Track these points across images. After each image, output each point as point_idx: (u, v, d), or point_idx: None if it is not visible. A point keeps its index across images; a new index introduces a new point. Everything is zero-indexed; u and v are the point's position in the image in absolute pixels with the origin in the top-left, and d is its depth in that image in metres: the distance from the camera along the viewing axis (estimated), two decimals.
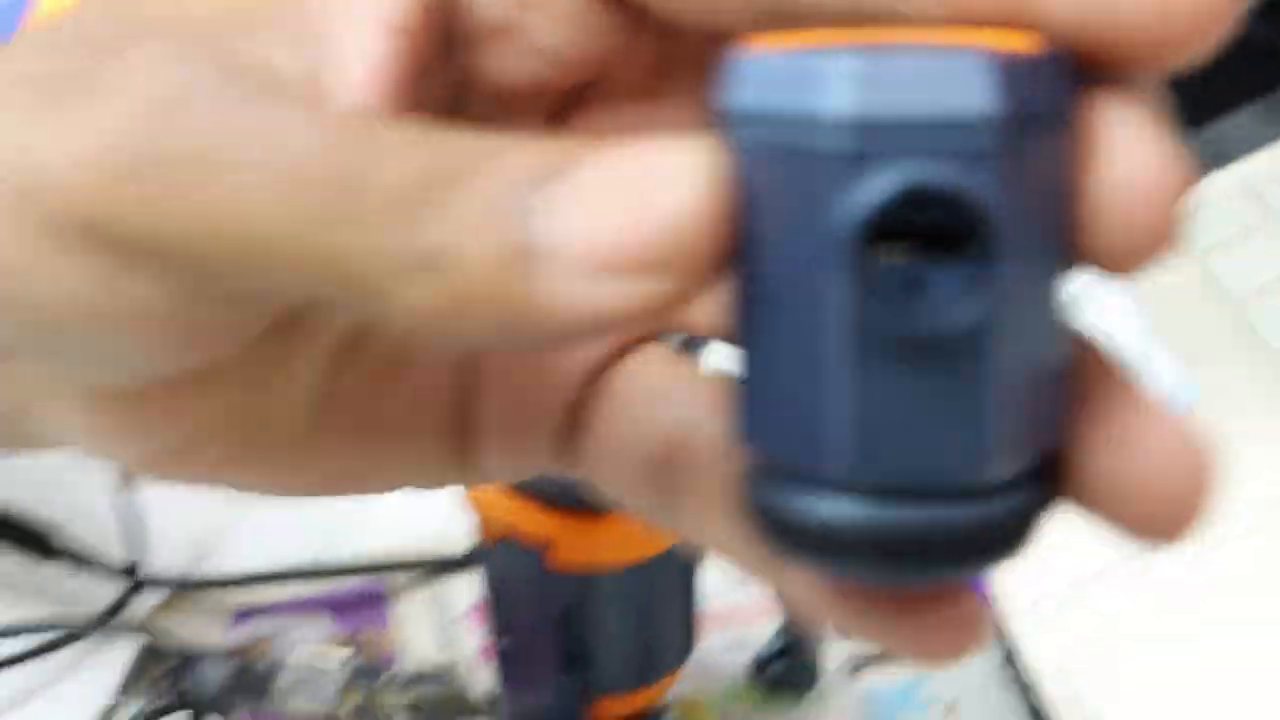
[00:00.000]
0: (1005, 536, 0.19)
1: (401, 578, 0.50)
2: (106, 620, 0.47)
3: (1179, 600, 0.46)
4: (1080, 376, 0.20)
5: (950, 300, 0.18)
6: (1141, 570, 0.47)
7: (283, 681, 0.46)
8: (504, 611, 0.41)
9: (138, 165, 0.21)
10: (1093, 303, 0.55)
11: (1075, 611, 0.46)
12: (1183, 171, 0.19)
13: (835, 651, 0.47)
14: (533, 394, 0.27)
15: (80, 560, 0.49)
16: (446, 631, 0.49)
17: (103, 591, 0.49)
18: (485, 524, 0.40)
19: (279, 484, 0.27)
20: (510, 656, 0.43)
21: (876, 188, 0.17)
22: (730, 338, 0.20)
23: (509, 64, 0.24)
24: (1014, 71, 0.17)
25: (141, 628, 0.45)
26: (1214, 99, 0.63)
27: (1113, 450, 0.20)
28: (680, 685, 0.46)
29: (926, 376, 0.18)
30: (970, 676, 0.47)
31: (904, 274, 0.18)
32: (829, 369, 0.18)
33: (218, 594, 0.50)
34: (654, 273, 0.19)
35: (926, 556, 0.19)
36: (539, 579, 0.39)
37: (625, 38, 0.24)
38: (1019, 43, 0.18)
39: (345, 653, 0.47)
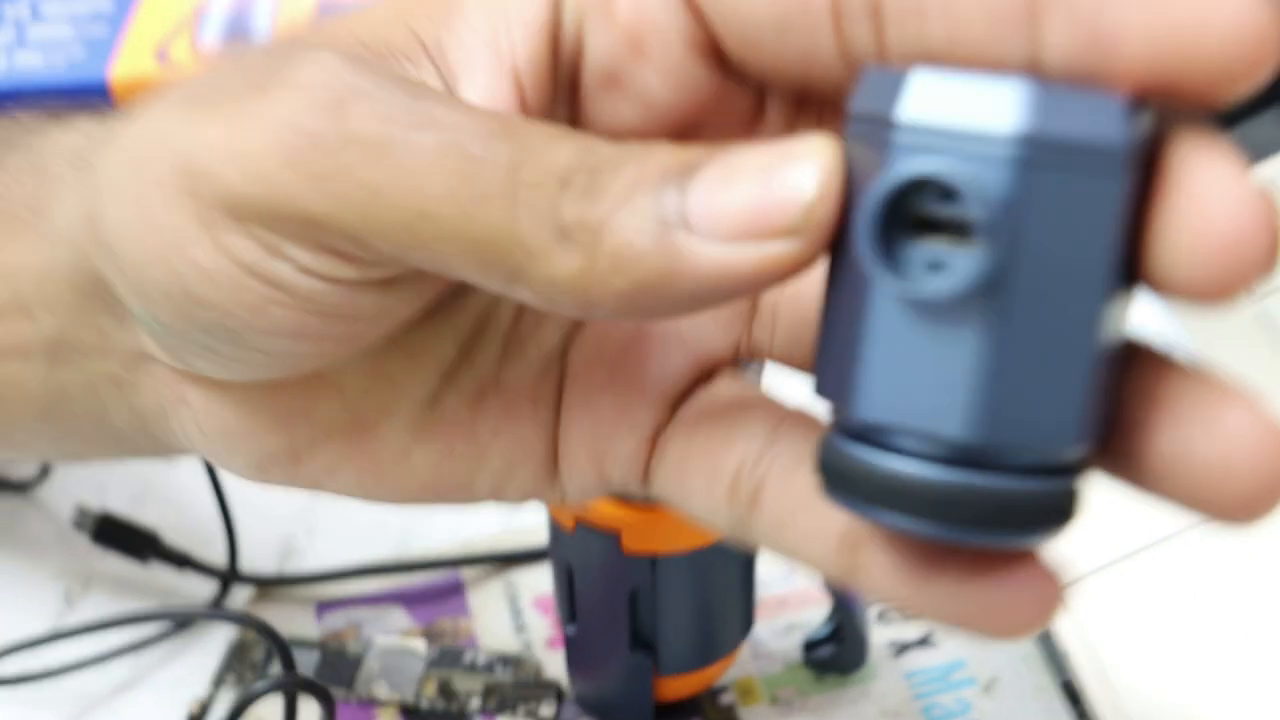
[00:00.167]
0: (1068, 511, 0.21)
1: (474, 570, 0.52)
2: (207, 612, 0.49)
3: (1217, 580, 0.45)
4: (1138, 367, 0.21)
5: (958, 278, 0.20)
6: (1179, 550, 0.46)
7: (367, 668, 0.48)
8: (580, 594, 0.42)
9: (312, 149, 0.22)
10: None
11: (1111, 591, 0.45)
12: (1270, 208, 0.19)
13: (880, 636, 0.48)
14: (616, 421, 0.28)
15: (180, 560, 0.51)
16: (518, 619, 0.50)
17: (201, 589, 0.52)
18: (558, 513, 0.41)
19: (379, 490, 0.29)
20: (580, 640, 0.44)
21: (894, 173, 0.20)
22: (822, 313, 0.22)
23: (617, 111, 0.25)
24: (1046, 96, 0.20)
25: (237, 619, 0.48)
26: (1237, 104, 0.63)
27: (1189, 432, 0.20)
28: (736, 667, 0.47)
29: (1038, 358, 0.20)
30: (1007, 656, 0.47)
31: (921, 254, 0.20)
32: (950, 337, 0.20)
33: (304, 589, 0.52)
34: (783, 238, 0.21)
35: (1003, 524, 0.20)
36: (616, 561, 0.40)
37: (724, 90, 0.25)
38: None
39: (423, 641, 0.49)
